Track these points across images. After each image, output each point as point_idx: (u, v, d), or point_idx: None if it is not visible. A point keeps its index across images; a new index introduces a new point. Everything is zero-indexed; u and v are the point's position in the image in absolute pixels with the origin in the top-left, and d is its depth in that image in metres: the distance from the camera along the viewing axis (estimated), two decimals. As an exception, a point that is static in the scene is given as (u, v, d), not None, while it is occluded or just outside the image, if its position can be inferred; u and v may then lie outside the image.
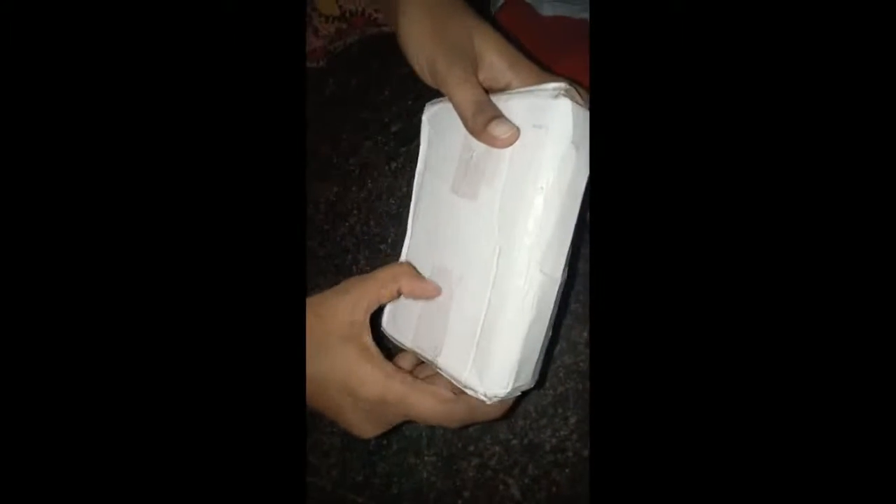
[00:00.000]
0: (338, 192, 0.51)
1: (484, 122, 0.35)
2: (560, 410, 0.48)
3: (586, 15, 0.49)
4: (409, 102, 0.52)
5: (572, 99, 0.33)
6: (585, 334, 0.47)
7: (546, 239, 0.34)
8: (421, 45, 0.37)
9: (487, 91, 0.37)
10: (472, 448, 0.48)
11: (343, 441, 0.49)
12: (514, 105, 0.35)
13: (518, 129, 0.34)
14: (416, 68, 0.38)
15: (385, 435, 0.46)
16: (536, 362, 0.37)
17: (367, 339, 0.38)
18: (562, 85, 0.33)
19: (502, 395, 0.36)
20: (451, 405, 0.37)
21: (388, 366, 0.37)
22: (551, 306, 0.36)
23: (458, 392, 0.37)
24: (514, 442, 0.48)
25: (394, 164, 0.50)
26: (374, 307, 0.38)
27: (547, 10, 0.50)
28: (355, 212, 0.51)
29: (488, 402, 0.36)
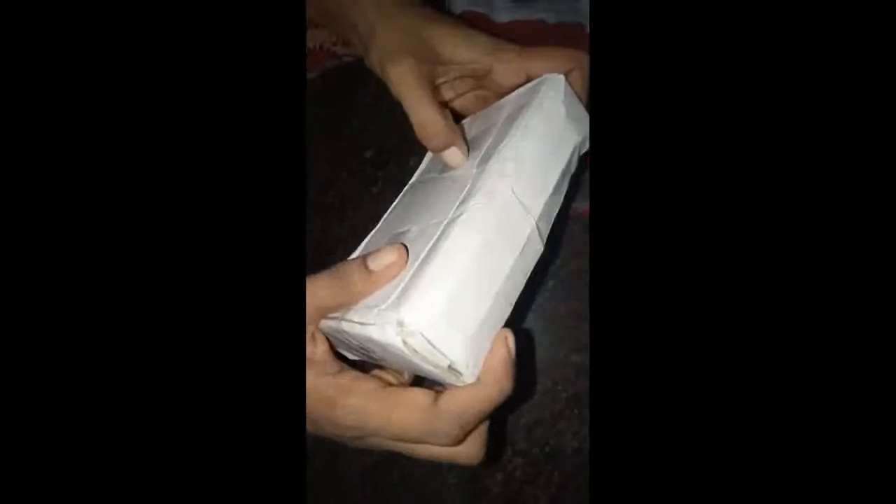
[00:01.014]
0: (322, 225, 0.50)
1: (442, 145, 0.35)
2: (576, 411, 0.47)
3: (542, 15, 0.49)
4: (379, 127, 0.52)
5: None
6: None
7: (519, 161, 0.30)
8: (375, 48, 0.37)
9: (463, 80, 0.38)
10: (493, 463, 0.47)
11: (363, 478, 0.47)
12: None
13: (466, 155, 0.35)
14: (375, 70, 0.38)
15: (404, 464, 0.45)
16: (484, 320, 0.27)
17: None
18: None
19: (426, 327, 0.26)
20: (432, 412, 0.28)
21: (344, 374, 0.29)
22: (519, 245, 0.29)
23: (439, 392, 0.28)
24: (536, 451, 0.47)
25: (374, 189, 0.50)
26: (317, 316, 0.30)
27: (502, 17, 0.50)
28: (340, 246, 0.51)
29: (404, 339, 0.26)
